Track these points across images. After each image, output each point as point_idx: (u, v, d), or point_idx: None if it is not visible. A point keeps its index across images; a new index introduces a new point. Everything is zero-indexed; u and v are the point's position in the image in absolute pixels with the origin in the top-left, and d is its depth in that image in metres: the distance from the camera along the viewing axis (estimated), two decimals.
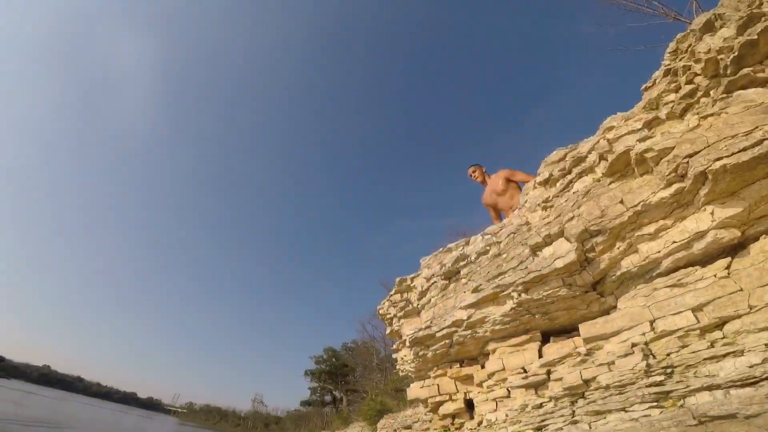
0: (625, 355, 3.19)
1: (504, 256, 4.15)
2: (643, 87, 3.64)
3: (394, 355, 6.07)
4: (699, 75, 3.15)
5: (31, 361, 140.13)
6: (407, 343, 5.16)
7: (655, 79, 3.55)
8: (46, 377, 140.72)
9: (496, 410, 4.24)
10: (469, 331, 4.44)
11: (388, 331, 5.94)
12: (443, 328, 4.60)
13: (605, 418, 3.17)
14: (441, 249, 5.21)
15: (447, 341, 4.69)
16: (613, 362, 3.29)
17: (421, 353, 5.01)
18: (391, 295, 5.96)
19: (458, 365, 4.92)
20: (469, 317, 4.35)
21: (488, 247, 4.44)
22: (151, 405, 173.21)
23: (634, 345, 3.20)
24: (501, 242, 4.32)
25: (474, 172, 5.66)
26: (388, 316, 6.01)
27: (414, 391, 5.28)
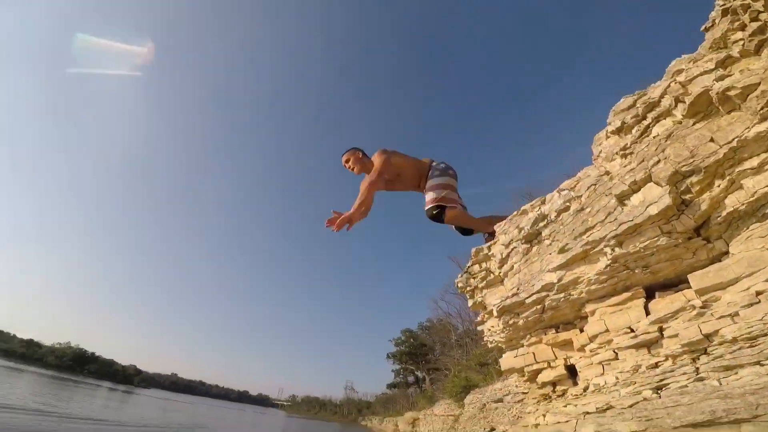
0: (750, 305, 2.83)
1: (588, 210, 3.86)
2: (703, 27, 3.56)
3: (479, 328, 6.00)
4: (762, 12, 3.00)
5: (161, 370, 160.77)
6: (494, 313, 5.06)
7: (714, 19, 3.42)
8: (175, 384, 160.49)
9: (603, 374, 4.05)
10: (562, 295, 4.19)
11: (470, 303, 5.88)
12: (532, 294, 4.39)
13: (737, 373, 2.88)
14: (515, 212, 4.91)
15: (538, 307, 4.47)
16: (736, 313, 2.96)
17: (510, 322, 4.84)
18: (469, 267, 5.88)
19: (554, 331, 4.71)
20: (559, 280, 4.11)
21: (568, 203, 4.17)
22: (261, 400, 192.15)
23: (759, 293, 2.83)
24: (581, 196, 4.04)
25: (347, 161, 3.77)
26: (468, 289, 5.95)
27: (507, 361, 5.19)
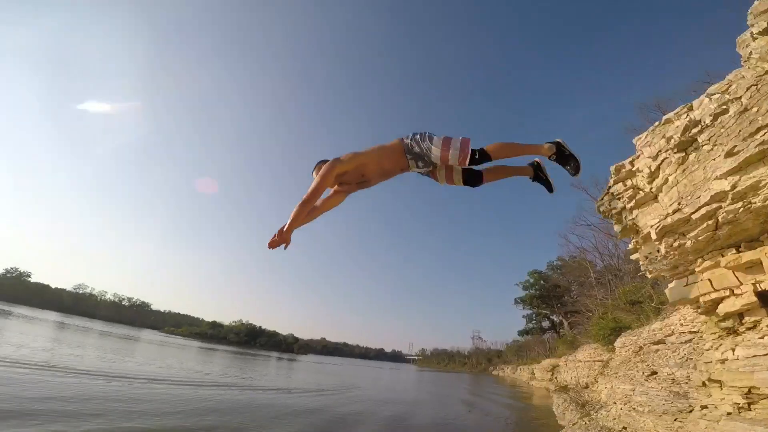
0: None
1: (755, 110, 3.38)
2: None
3: (633, 257, 5.31)
4: None
5: (313, 336, 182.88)
6: (652, 237, 4.42)
7: None
8: (325, 348, 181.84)
9: None
10: (740, 204, 3.56)
11: (618, 229, 5.20)
12: (700, 208, 3.82)
13: None
14: (656, 123, 4.53)
15: (709, 223, 3.84)
16: None
17: (675, 245, 4.21)
18: (610, 188, 5.21)
19: (734, 251, 3.91)
20: (733, 187, 3.53)
21: (725, 106, 3.73)
22: (395, 356, 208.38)
23: None
24: (740, 98, 3.59)
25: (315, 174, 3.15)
26: (612, 212, 5.31)
27: (675, 291, 4.51)
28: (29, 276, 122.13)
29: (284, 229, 2.64)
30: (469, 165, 2.73)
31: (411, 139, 2.79)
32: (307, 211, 2.72)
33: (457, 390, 40.21)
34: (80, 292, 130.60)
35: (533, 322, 68.44)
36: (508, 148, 2.75)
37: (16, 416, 8.44)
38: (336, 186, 2.91)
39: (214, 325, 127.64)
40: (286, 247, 2.67)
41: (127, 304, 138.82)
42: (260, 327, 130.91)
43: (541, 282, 60.80)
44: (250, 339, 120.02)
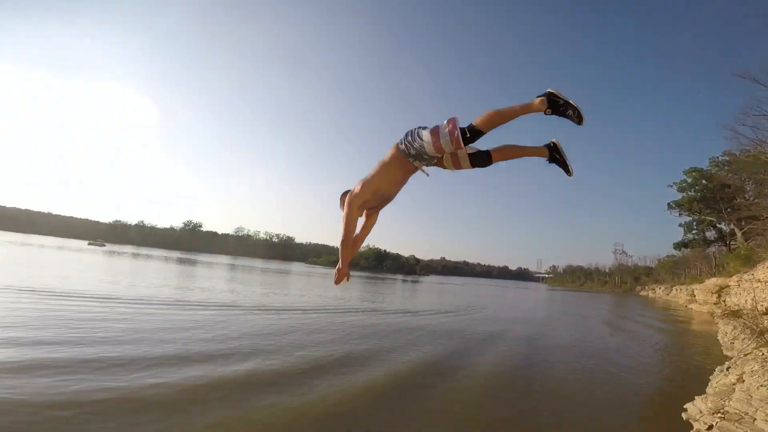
0: None
1: None
2: None
3: None
4: None
5: (433, 257, 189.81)
6: None
7: None
8: (446, 267, 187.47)
9: None
10: None
11: None
12: None
13: None
14: None
15: None
16: None
17: None
18: None
19: None
20: None
21: None
22: (522, 274, 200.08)
23: None
24: None
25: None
26: None
27: None
28: (201, 226, 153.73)
29: (340, 267, 2.99)
30: (465, 145, 2.61)
31: (404, 143, 2.76)
32: (351, 245, 3.03)
33: (596, 311, 38.06)
34: (240, 234, 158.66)
35: (694, 232, 56.62)
36: (498, 116, 2.54)
37: (249, 353, 10.62)
38: (364, 212, 3.16)
39: None
40: (348, 280, 3.08)
41: (276, 240, 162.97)
42: (385, 250, 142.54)
43: (703, 182, 49.05)
44: (377, 263, 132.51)
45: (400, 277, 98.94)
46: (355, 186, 2.98)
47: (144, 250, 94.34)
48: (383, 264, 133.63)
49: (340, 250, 3.00)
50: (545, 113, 2.54)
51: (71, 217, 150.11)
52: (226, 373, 8.78)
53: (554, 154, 2.84)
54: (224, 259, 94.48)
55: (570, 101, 2.49)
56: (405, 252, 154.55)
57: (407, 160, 2.79)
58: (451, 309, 29.48)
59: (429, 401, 8.69)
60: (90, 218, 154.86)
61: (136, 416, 6.29)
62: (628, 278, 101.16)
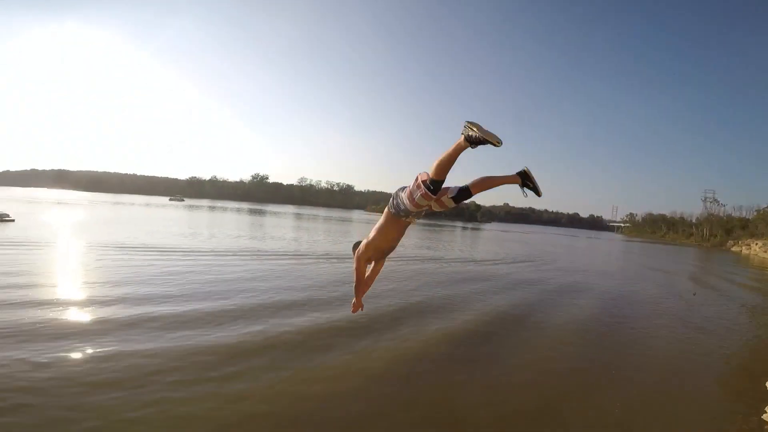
0: None
1: None
2: None
3: None
4: None
5: (494, 203, 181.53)
6: None
7: None
8: (509, 214, 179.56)
9: None
10: None
11: None
12: None
13: None
14: None
15: None
16: None
17: None
18: None
19: None
20: None
21: None
22: (594, 223, 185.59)
23: None
24: None
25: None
26: None
27: None
28: (267, 178, 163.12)
29: (355, 302, 3.49)
30: (436, 195, 2.88)
31: (392, 206, 3.12)
32: (362, 287, 3.49)
33: (680, 266, 34.42)
34: (303, 185, 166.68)
35: None
36: (486, 182, 3.05)
37: (332, 301, 11.27)
38: (371, 263, 3.58)
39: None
40: (362, 309, 3.56)
41: (336, 189, 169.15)
42: None
43: None
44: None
45: (459, 224, 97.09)
46: (361, 244, 3.44)
47: (218, 203, 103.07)
48: (441, 211, 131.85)
49: (355, 291, 3.53)
50: (520, 185, 3.08)
51: (153, 176, 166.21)
52: (330, 320, 9.50)
53: (526, 180, 3.11)
54: (290, 209, 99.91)
55: (536, 185, 3.04)
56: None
57: (400, 218, 3.16)
58: (518, 259, 28.23)
59: (505, 350, 8.65)
60: (169, 176, 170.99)
61: (260, 358, 6.99)
62: (718, 231, 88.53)
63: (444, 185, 3.04)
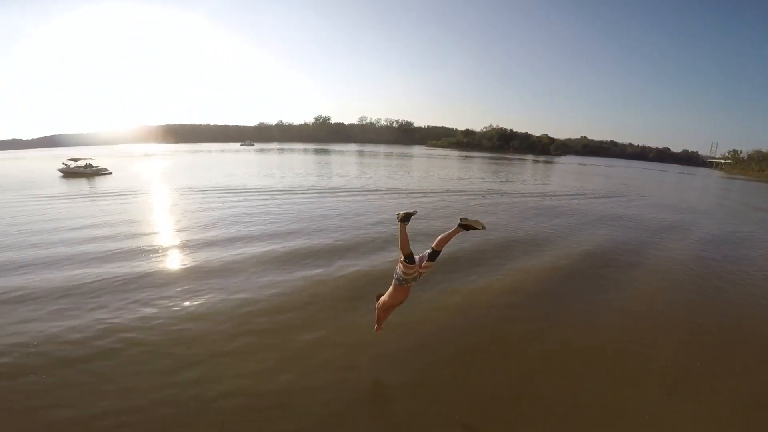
0: None
1: None
2: None
3: None
4: None
5: (570, 136, 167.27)
6: None
7: None
8: (587, 147, 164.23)
9: None
10: None
11: None
12: None
13: None
14: None
15: None
16: None
17: None
18: None
19: None
20: None
21: None
22: (687, 159, 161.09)
23: None
24: None
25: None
26: None
27: None
28: (329, 119, 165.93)
29: (376, 328, 4.95)
30: (419, 267, 4.23)
31: (396, 279, 4.36)
32: (381, 320, 4.92)
33: None
34: (363, 123, 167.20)
35: None
36: (443, 239, 4.21)
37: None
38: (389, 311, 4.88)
39: (467, 133, 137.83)
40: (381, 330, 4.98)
41: (396, 126, 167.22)
42: (511, 130, 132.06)
43: None
44: (503, 143, 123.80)
45: (530, 157, 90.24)
46: (380, 300, 4.75)
47: (285, 146, 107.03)
48: (509, 144, 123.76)
49: (376, 318, 4.92)
50: (466, 230, 4.27)
51: (225, 125, 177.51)
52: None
53: (466, 227, 4.22)
54: (352, 147, 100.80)
55: (474, 225, 4.21)
56: (538, 132, 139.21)
57: (403, 285, 4.38)
58: (602, 193, 25.72)
59: (601, 293, 7.88)
60: (239, 124, 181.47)
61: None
62: None
63: (419, 254, 4.30)
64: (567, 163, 73.75)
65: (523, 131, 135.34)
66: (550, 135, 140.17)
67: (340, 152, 69.96)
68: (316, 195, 19.63)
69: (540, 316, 6.69)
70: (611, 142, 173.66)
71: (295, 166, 40.23)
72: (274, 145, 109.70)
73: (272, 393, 4.44)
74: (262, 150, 78.35)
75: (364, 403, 4.45)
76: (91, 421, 3.97)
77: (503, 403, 4.47)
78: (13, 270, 8.35)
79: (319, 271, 8.26)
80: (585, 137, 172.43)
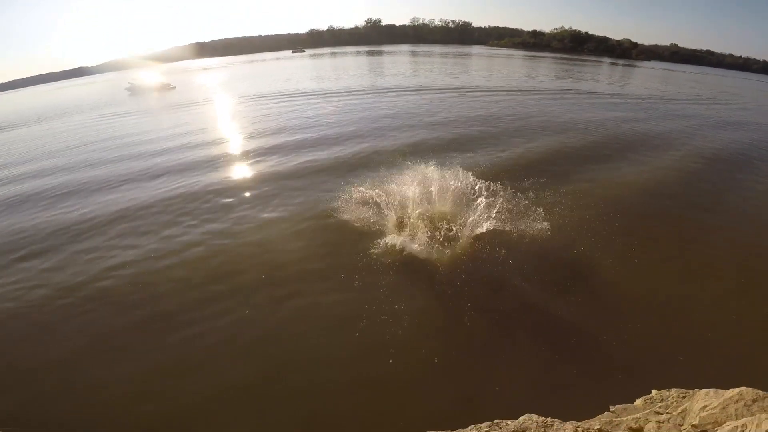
0: None
1: None
2: None
3: None
4: None
5: (658, 42, 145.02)
6: None
7: None
8: (676, 54, 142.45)
9: None
10: None
11: None
12: None
13: None
14: None
15: None
16: None
17: None
18: None
19: None
20: None
21: None
22: None
23: None
24: None
25: None
26: None
27: None
28: (380, 21, 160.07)
29: None
30: None
31: None
32: None
33: None
34: (416, 24, 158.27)
35: None
36: None
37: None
38: None
39: (535, 33, 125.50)
40: None
41: (452, 26, 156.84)
42: (587, 32, 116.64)
43: None
44: (575, 45, 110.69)
45: (607, 59, 79.60)
46: None
47: (338, 50, 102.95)
48: (583, 47, 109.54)
49: None
50: None
51: (276, 34, 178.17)
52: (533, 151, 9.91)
53: None
54: (405, 48, 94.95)
55: None
56: (619, 36, 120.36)
57: None
58: (701, 100, 23.01)
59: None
60: (290, 32, 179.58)
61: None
62: None
63: None
64: (649, 67, 64.46)
65: (603, 34, 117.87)
66: (633, 39, 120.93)
67: (392, 53, 66.59)
68: (373, 95, 19.59)
69: None
70: (707, 51, 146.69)
71: (347, 68, 39.59)
72: (327, 50, 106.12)
73: None
74: (315, 55, 76.64)
75: None
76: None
77: None
78: (103, 188, 9.17)
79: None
80: (675, 44, 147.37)
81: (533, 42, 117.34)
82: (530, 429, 2.52)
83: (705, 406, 2.50)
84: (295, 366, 3.87)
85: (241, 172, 9.28)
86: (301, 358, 3.95)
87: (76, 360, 4.11)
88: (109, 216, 7.36)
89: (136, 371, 3.91)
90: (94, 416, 3.51)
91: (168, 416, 3.45)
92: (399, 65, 39.60)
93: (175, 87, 32.46)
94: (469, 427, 2.61)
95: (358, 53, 72.60)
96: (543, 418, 2.59)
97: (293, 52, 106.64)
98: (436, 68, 35.38)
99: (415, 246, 5.32)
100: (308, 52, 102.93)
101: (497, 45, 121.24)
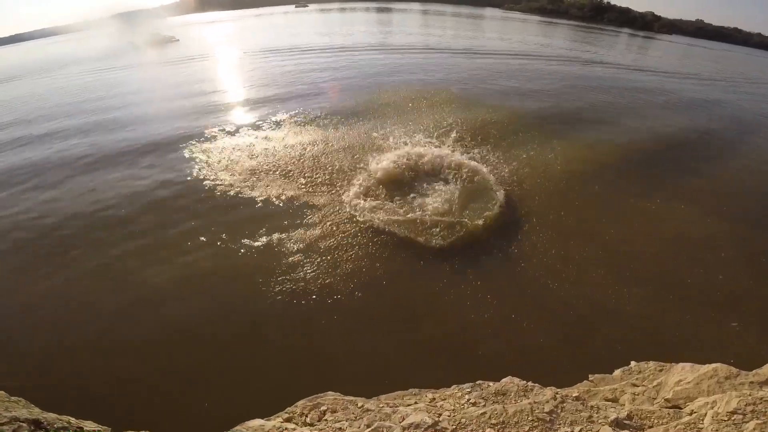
0: None
1: None
2: None
3: None
4: None
5: (682, 17, 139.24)
6: None
7: None
8: (701, 30, 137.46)
9: None
10: None
11: None
12: None
13: None
14: None
15: None
16: None
17: None
18: None
19: None
20: None
21: None
22: None
23: None
24: None
25: None
26: None
27: None
28: None
29: None
30: None
31: None
32: None
33: None
34: None
35: None
36: None
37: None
38: None
39: (554, 0, 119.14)
40: None
41: None
42: (608, 2, 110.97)
43: None
44: (595, 14, 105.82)
45: (627, 30, 76.38)
46: None
47: (346, 5, 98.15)
48: (603, 16, 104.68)
49: None
50: None
51: None
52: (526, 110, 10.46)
53: None
54: (416, 6, 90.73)
55: None
56: (642, 8, 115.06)
57: None
58: (714, 78, 22.14)
59: None
60: None
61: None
62: None
63: None
64: (670, 41, 61.85)
65: (625, 5, 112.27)
66: (656, 12, 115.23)
67: (402, 10, 63.78)
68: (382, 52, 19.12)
69: None
70: (735, 28, 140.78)
71: (356, 24, 38.27)
72: (335, 5, 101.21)
73: None
74: (322, 9, 73.82)
75: None
76: None
77: None
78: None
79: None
80: (701, 20, 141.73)
81: (551, 8, 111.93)
82: (511, 392, 2.64)
83: (680, 381, 2.61)
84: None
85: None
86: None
87: None
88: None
89: None
90: None
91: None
92: (410, 24, 38.04)
93: (179, 40, 31.96)
94: (452, 387, 2.74)
95: (368, 9, 69.86)
96: (524, 382, 2.72)
97: (296, 6, 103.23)
98: (448, 30, 34.03)
99: None
100: (312, 6, 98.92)
101: (513, 8, 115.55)
